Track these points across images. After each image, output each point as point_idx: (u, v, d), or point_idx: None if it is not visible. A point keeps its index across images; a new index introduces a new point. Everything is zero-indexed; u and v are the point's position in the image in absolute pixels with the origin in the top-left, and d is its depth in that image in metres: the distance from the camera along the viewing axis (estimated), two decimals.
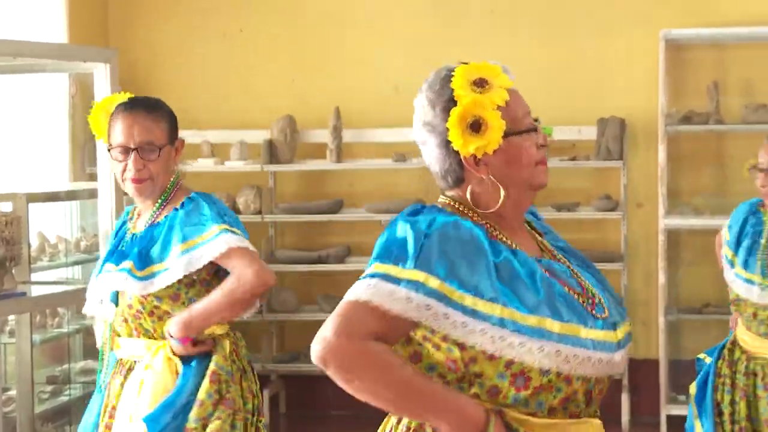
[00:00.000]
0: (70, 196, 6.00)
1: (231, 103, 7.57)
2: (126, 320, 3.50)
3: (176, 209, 3.48)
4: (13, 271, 4.44)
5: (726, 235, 4.45)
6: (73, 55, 4.73)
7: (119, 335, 3.52)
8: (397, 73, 7.48)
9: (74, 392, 5.90)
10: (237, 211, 7.08)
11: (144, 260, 3.42)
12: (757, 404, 4.26)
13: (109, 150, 3.47)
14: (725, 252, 4.42)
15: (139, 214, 3.61)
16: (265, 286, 3.36)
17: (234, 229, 3.42)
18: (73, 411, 5.87)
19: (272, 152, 7.38)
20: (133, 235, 3.55)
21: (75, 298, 5.12)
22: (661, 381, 6.93)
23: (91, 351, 6.11)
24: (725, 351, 4.41)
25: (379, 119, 7.41)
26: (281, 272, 7.28)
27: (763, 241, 4.30)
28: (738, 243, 4.35)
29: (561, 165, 7.18)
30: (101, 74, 4.56)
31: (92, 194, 5.09)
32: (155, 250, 3.43)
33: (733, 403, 4.29)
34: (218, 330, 3.50)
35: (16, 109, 6.45)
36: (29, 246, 5.11)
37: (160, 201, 3.53)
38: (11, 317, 5.05)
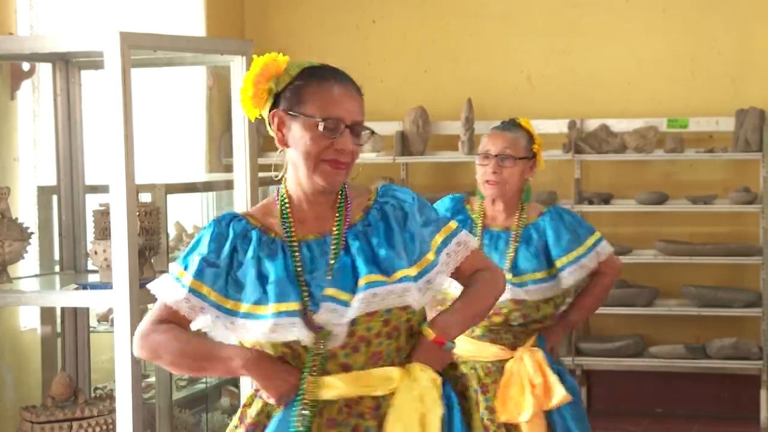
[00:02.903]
0: (207, 187, 6.09)
1: (364, 95, 7.60)
2: None
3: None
4: (152, 260, 4.53)
5: None
6: (211, 48, 4.79)
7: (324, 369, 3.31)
8: (530, 64, 7.43)
9: (211, 380, 6.00)
10: None
11: None
12: None
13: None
14: None
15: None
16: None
17: None
18: (210, 398, 5.97)
19: (404, 144, 7.40)
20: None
21: None
22: None
23: None
24: None
25: (512, 111, 7.33)
26: None
27: None
28: None
29: (697, 157, 7.05)
30: (238, 66, 4.61)
31: (228, 185, 5.16)
32: None
33: None
34: None
35: (155, 102, 6.58)
36: (167, 236, 5.20)
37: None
38: (150, 305, 5.16)
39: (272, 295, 2.54)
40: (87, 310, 4.87)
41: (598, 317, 7.35)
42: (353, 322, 2.54)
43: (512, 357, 3.97)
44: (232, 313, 2.57)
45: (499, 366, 3.99)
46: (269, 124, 2.65)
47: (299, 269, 2.59)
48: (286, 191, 2.67)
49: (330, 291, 2.56)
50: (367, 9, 7.70)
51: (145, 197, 4.86)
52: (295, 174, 2.63)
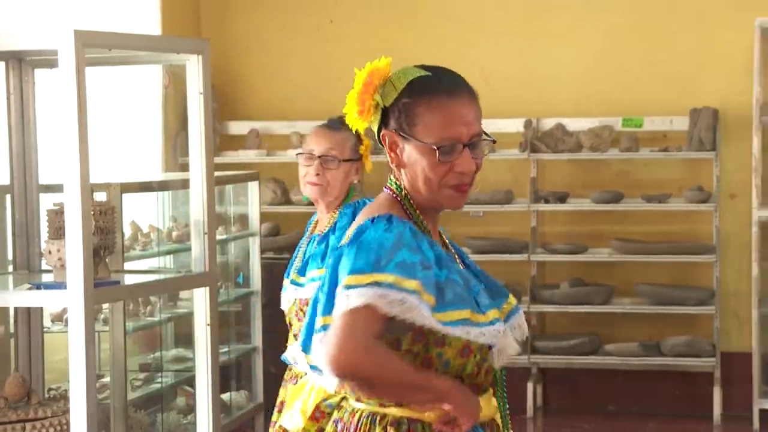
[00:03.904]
0: (163, 186, 6.07)
1: (321, 93, 7.60)
2: None
3: None
4: (107, 260, 4.51)
5: None
6: (166, 46, 4.77)
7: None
8: (487, 63, 7.45)
9: (166, 380, 5.98)
10: None
11: None
12: None
13: None
14: None
15: None
16: None
17: None
18: (165, 398, 5.95)
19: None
20: None
21: (167, 287, 5.18)
22: (754, 374, 6.83)
23: (182, 339, 6.19)
24: None
25: None
26: None
27: None
28: None
29: (652, 156, 7.10)
30: (194, 66, 4.60)
31: (184, 185, 5.14)
32: None
33: None
34: None
35: (110, 100, 6.55)
36: (123, 235, 5.18)
37: None
38: (105, 306, 5.13)
39: (483, 303, 2.42)
40: (41, 310, 4.84)
41: (554, 315, 7.38)
42: None
43: None
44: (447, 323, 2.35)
45: None
46: (380, 142, 2.48)
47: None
48: (409, 198, 2.46)
49: (512, 300, 2.50)
50: (326, 10, 7.69)
51: (100, 196, 4.83)
52: (417, 188, 2.43)
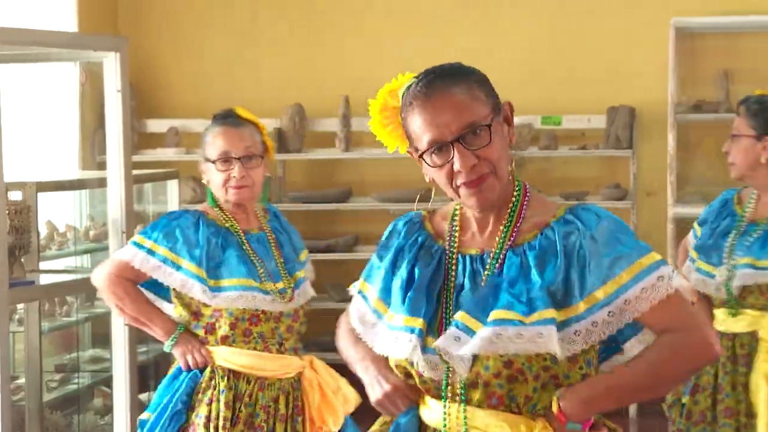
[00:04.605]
0: (79, 185, 6.00)
1: (240, 92, 7.57)
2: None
3: None
4: (23, 259, 4.45)
5: None
6: (83, 44, 4.73)
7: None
8: (410, 61, 7.45)
9: (83, 381, 5.91)
10: None
11: None
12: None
13: None
14: None
15: None
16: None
17: None
18: (82, 399, 5.88)
19: (281, 141, 7.38)
20: None
21: (84, 287, 5.13)
22: None
23: (100, 340, 6.13)
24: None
25: None
26: None
27: None
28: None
29: (570, 154, 7.17)
30: (111, 63, 4.56)
31: (101, 183, 5.09)
32: None
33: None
34: None
35: (26, 98, 6.45)
36: (38, 235, 5.12)
37: None
38: (20, 306, 5.06)
39: (406, 307, 2.31)
40: None
41: None
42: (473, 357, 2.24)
43: None
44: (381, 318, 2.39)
45: None
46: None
47: (451, 284, 2.31)
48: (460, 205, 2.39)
49: (461, 315, 2.23)
50: (244, 5, 7.65)
51: (15, 195, 4.77)
52: (450, 195, 2.36)
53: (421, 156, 2.32)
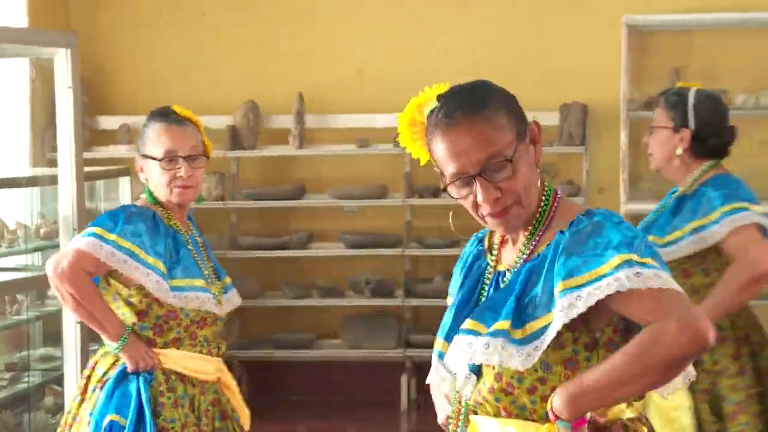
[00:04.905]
0: (30, 182, 5.94)
1: (193, 88, 7.53)
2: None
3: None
4: None
5: None
6: (33, 39, 4.68)
7: (475, 413, 2.39)
8: (361, 59, 7.46)
9: (33, 379, 5.86)
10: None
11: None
12: None
13: None
14: None
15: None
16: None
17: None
18: (32, 398, 5.83)
19: (235, 138, 7.35)
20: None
21: (34, 285, 5.08)
22: None
23: (50, 338, 6.07)
24: None
25: (343, 105, 7.39)
26: (244, 258, 7.26)
27: None
28: None
29: None
30: (62, 59, 4.51)
31: (53, 180, 5.04)
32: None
33: None
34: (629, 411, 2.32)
35: None
36: None
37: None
38: None
39: (440, 329, 2.41)
40: None
41: (427, 309, 7.42)
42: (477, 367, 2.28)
43: None
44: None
45: None
46: None
47: (482, 299, 2.34)
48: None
49: (470, 323, 2.27)
50: (196, 3, 7.61)
51: None
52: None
53: (445, 187, 2.30)
